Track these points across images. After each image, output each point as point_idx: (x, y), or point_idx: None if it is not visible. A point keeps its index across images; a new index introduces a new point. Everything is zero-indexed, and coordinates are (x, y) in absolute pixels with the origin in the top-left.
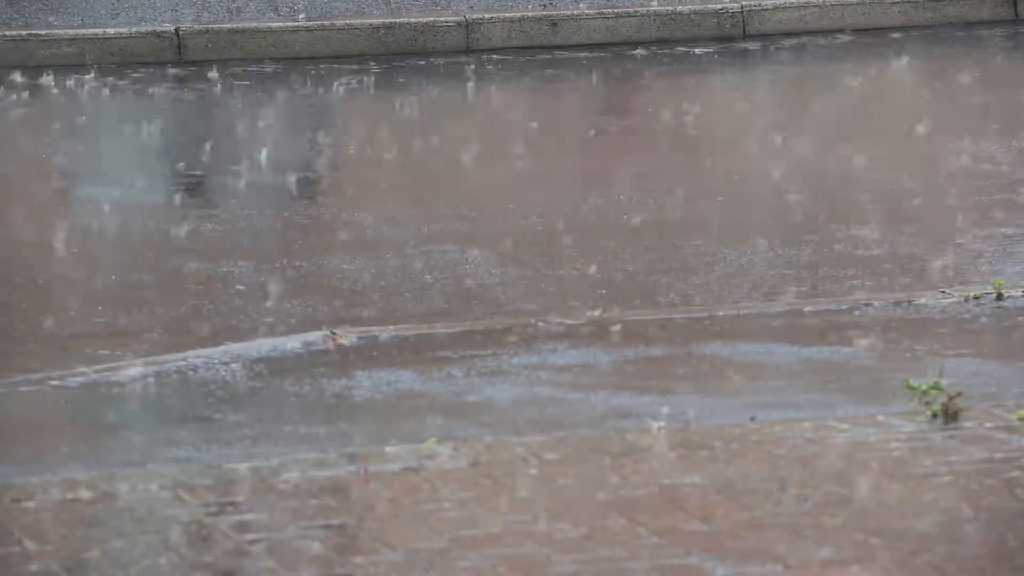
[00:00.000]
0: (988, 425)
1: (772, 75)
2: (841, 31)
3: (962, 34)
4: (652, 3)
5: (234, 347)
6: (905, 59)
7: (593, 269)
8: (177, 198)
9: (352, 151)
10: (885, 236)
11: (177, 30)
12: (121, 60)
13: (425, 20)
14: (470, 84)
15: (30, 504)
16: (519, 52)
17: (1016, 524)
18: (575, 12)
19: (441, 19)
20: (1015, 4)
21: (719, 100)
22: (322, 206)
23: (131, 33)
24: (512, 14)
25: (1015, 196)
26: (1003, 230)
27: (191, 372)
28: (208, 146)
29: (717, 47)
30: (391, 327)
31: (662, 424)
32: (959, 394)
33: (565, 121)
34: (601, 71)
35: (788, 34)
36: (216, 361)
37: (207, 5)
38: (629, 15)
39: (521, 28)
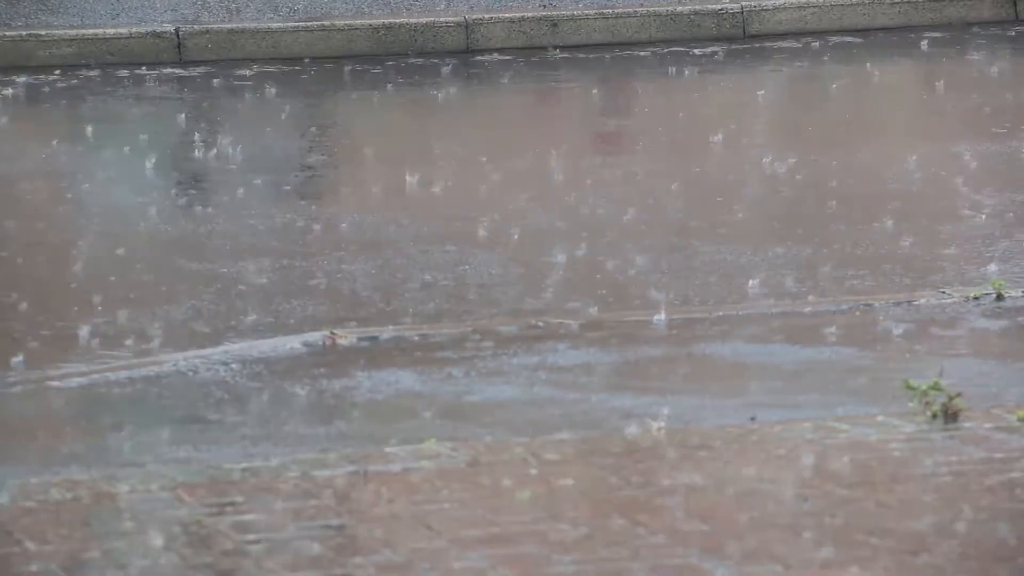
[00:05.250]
0: (988, 425)
1: (772, 75)
2: (841, 31)
3: (962, 34)
4: (652, 3)
5: (234, 347)
6: (905, 59)
7: (593, 269)
8: (177, 198)
9: (352, 151)
10: (885, 236)
11: (177, 30)
12: (121, 60)
13: (425, 20)
14: (470, 85)
15: (30, 504)
16: (519, 52)
17: (1016, 524)
18: (575, 12)
19: (441, 19)
20: (1015, 4)
21: (719, 100)
22: (322, 206)
23: (131, 33)
24: (512, 14)
25: (1015, 196)
26: (1003, 230)
27: (191, 372)
28: (207, 147)
29: (717, 47)
30: (391, 327)
31: (662, 424)
32: (959, 394)
33: (565, 121)
34: (601, 71)
35: (788, 34)
36: (216, 361)
37: (207, 5)
38: (629, 15)
39: (521, 28)
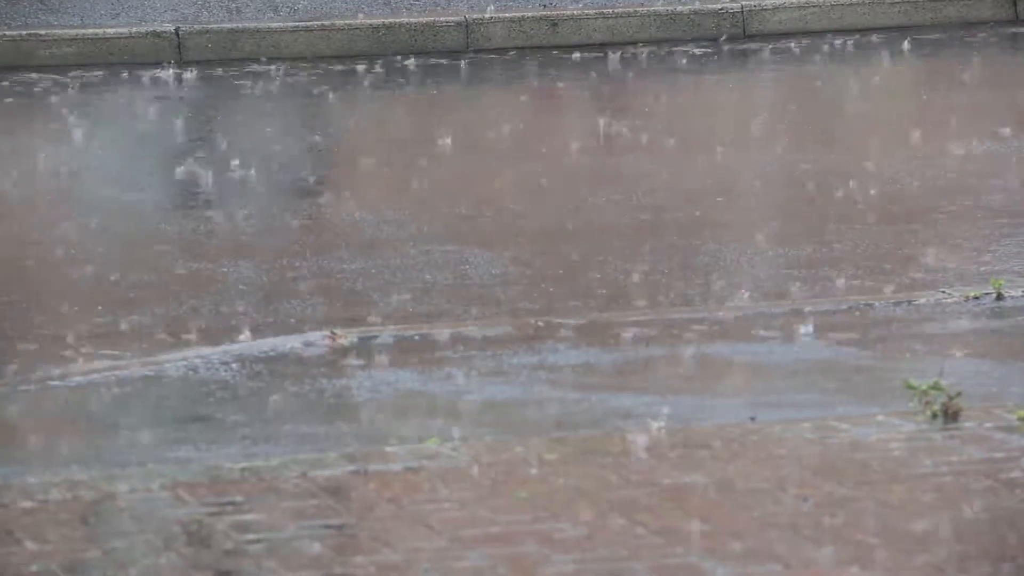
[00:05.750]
0: (988, 425)
1: (772, 75)
2: (841, 31)
3: (962, 34)
4: (652, 3)
5: (234, 347)
6: (905, 59)
7: (593, 269)
8: (177, 198)
9: (352, 151)
10: (885, 236)
11: (177, 30)
12: (121, 60)
13: (425, 20)
14: (470, 84)
15: (30, 504)
16: (519, 52)
17: (1016, 524)
18: (575, 12)
19: (441, 19)
20: (1015, 4)
21: (719, 100)
22: (322, 206)
23: (131, 33)
24: (512, 14)
25: (1015, 195)
26: (1003, 230)
27: (191, 372)
28: (208, 146)
29: (717, 47)
30: (391, 327)
31: (662, 424)
32: (959, 394)
33: (565, 121)
34: (601, 71)
35: (788, 34)
36: (216, 361)
37: (207, 5)
38: (629, 15)
39: (521, 28)
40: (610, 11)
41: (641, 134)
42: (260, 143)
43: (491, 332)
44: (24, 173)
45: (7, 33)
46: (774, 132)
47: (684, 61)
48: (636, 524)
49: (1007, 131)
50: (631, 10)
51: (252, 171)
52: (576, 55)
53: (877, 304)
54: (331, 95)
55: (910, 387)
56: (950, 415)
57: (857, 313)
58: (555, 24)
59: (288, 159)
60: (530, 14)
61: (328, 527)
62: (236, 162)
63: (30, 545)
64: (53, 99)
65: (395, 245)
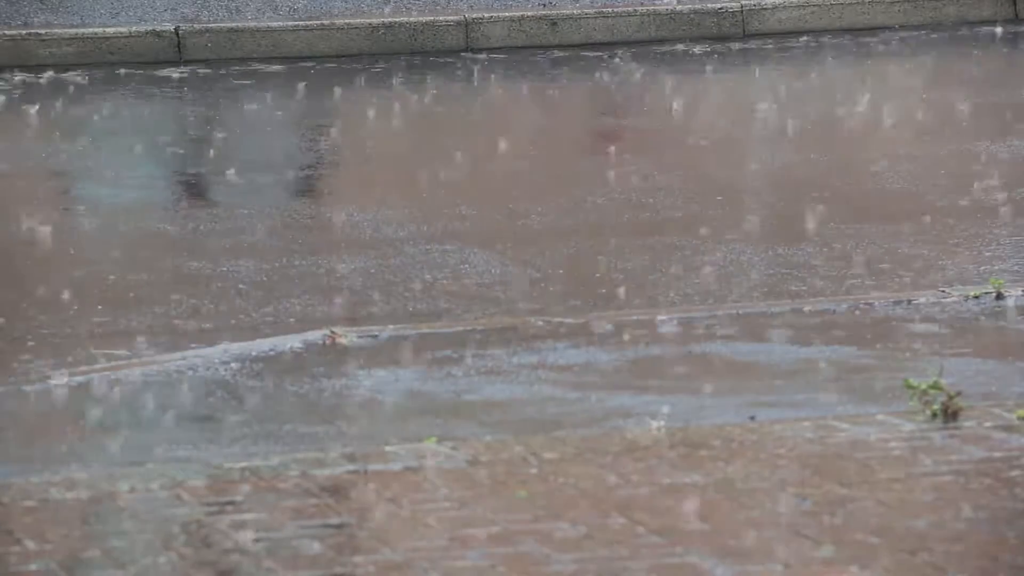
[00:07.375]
0: (988, 424)
1: (771, 75)
2: (841, 31)
3: (962, 34)
4: (652, 2)
5: (234, 347)
6: (905, 58)
7: (593, 269)
8: (177, 198)
9: (352, 151)
10: (885, 235)
11: (177, 29)
12: (121, 60)
13: (425, 20)
14: (470, 84)
15: (30, 504)
16: (519, 51)
17: (1016, 524)
18: (575, 11)
19: (441, 19)
20: (1015, 4)
21: (718, 100)
22: (322, 206)
23: (131, 32)
24: (512, 13)
25: (1014, 195)
26: (1003, 229)
27: (191, 372)
28: (207, 146)
29: (717, 46)
30: (391, 327)
31: (662, 424)
32: (959, 393)
33: (564, 121)
34: (601, 70)
35: (788, 34)
36: (216, 361)
37: (207, 5)
38: (629, 14)
39: (521, 27)
40: (610, 10)
41: (641, 133)
42: (260, 142)
43: (491, 332)
44: (23, 172)
45: (7, 32)
46: (773, 131)
47: (684, 60)
48: (636, 524)
49: (1007, 130)
50: (631, 9)
51: (251, 171)
52: (576, 54)
53: (877, 304)
54: (331, 95)
55: (910, 386)
56: (950, 414)
57: (857, 313)
58: (555, 23)
59: (287, 158)
60: (530, 13)
61: (328, 527)
62: (235, 161)
63: (30, 544)
64: (53, 98)
65: (395, 245)
